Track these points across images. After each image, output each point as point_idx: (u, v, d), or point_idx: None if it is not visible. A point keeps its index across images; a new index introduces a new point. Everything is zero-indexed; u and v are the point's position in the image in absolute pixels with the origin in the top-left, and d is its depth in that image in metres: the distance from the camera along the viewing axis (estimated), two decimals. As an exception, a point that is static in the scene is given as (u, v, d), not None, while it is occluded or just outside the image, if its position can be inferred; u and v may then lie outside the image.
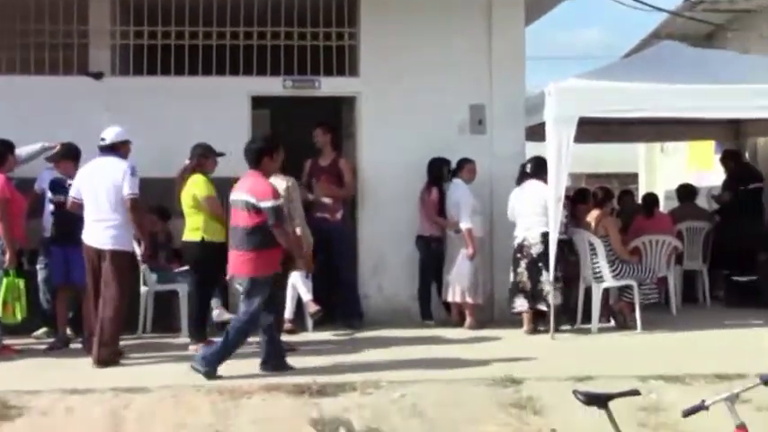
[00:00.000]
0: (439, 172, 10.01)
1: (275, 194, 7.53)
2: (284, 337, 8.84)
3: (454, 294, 9.76)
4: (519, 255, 9.51)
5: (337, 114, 11.07)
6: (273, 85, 10.25)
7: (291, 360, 7.82)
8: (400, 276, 10.20)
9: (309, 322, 9.59)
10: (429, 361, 8.09)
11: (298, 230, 8.61)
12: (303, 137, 10.16)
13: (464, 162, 9.95)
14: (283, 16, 10.18)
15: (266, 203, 7.42)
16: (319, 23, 10.25)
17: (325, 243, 9.56)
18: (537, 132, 9.68)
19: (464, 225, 9.72)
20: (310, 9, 10.21)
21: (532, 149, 10.39)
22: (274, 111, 11.66)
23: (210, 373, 7.29)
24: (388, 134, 10.23)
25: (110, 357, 7.96)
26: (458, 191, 9.82)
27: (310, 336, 9.38)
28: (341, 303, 9.96)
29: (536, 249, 9.35)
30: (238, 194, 7.61)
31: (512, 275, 9.57)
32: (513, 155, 10.15)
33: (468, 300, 9.75)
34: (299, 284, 9.43)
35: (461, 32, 10.36)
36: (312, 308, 9.45)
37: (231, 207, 7.74)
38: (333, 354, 8.45)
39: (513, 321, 9.65)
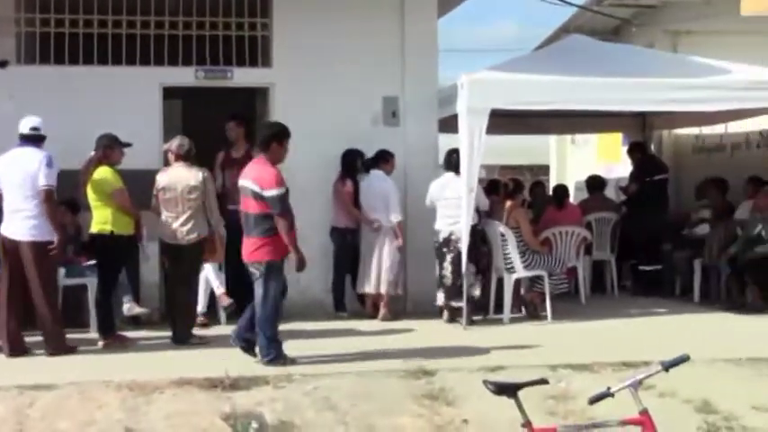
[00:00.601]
0: (353, 163, 10.02)
1: (279, 183, 7.50)
2: (197, 331, 8.80)
3: (377, 286, 9.76)
4: (445, 249, 9.55)
5: (251, 105, 10.98)
6: (185, 76, 10.12)
7: (204, 353, 7.75)
8: (314, 269, 10.04)
9: (222, 315, 9.51)
10: (342, 353, 8.09)
11: (213, 223, 8.57)
12: (216, 128, 10.06)
13: (386, 154, 9.96)
14: (195, 6, 10.06)
15: (270, 192, 7.43)
16: (232, 13, 10.15)
17: (239, 235, 9.48)
18: (450, 124, 9.75)
19: (395, 218, 9.77)
20: (223, -1, 10.11)
21: (446, 141, 10.47)
22: (187, 101, 11.52)
23: (280, 358, 7.51)
24: (301, 125, 10.06)
25: (60, 346, 7.98)
26: (384, 183, 9.82)
27: (223, 329, 9.28)
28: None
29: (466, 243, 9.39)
30: (245, 182, 7.61)
31: (437, 269, 9.62)
32: (427, 147, 10.23)
33: (391, 292, 9.78)
34: (211, 277, 9.35)
35: (374, 24, 10.36)
36: (225, 301, 9.38)
37: (240, 193, 7.74)
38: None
39: (427, 313, 9.72)
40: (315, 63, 10.18)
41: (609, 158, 15.66)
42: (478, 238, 9.50)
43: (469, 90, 9.06)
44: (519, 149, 26.40)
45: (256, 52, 10.35)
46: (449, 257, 9.48)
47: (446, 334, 9.15)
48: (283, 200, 7.49)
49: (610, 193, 13.10)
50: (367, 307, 9.94)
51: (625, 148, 13.23)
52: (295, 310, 9.85)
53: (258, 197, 7.48)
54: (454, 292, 9.42)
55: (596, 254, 11.68)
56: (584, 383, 6.80)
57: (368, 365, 7.55)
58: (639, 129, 13.47)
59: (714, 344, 8.35)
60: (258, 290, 7.59)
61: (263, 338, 7.62)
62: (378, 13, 10.40)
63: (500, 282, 9.83)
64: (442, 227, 9.56)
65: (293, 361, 7.59)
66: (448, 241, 9.50)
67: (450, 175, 9.58)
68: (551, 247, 10.51)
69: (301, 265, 7.67)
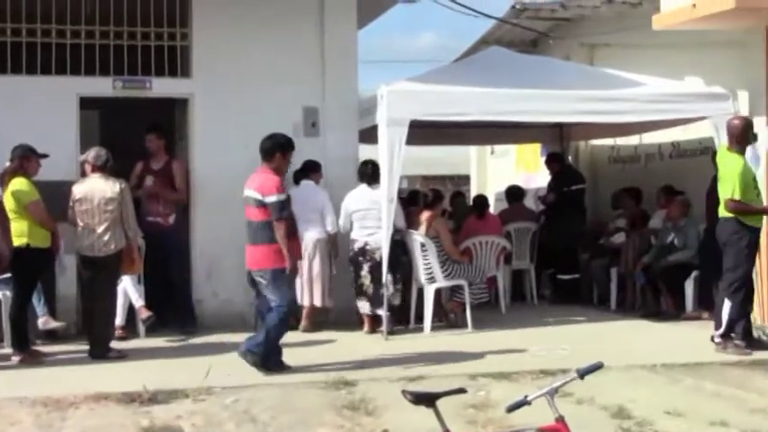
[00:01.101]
0: None
1: (280, 189, 7.65)
2: (115, 344, 8.67)
3: (310, 298, 9.70)
4: (361, 258, 9.58)
5: (170, 115, 10.88)
6: (103, 86, 9.98)
7: (122, 367, 7.63)
8: (235, 281, 10.04)
9: (142, 328, 9.39)
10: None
11: (130, 235, 8.47)
12: (135, 138, 9.94)
13: (315, 165, 9.93)
14: (113, 14, 9.93)
15: (270, 198, 7.58)
16: (150, 23, 10.05)
17: (158, 248, 9.39)
18: (370, 135, 9.79)
19: (332, 229, 9.74)
20: (141, 8, 9.99)
21: (366, 152, 10.51)
22: (105, 112, 11.36)
23: (279, 366, 7.66)
24: (221, 136, 10.12)
25: None
26: (319, 194, 9.78)
27: (142, 342, 9.19)
28: (174, 309, 9.80)
29: (379, 253, 9.41)
30: (249, 191, 7.75)
31: (353, 278, 9.64)
32: (347, 157, 10.25)
33: (327, 304, 9.76)
34: (130, 290, 9.23)
35: (294, 34, 10.36)
36: (144, 314, 9.27)
37: (244, 203, 7.85)
38: (166, 360, 8.30)
39: (348, 323, 9.73)
40: (235, 73, 10.13)
41: (528, 169, 15.87)
42: (396, 248, 9.54)
43: (389, 101, 9.11)
44: (440, 160, 26.63)
45: (175, 62, 10.26)
46: (366, 267, 9.52)
47: (367, 344, 9.16)
48: (283, 206, 7.64)
49: (529, 203, 13.28)
50: (299, 318, 9.85)
51: (543, 159, 13.42)
52: (216, 323, 9.82)
53: (260, 204, 7.62)
54: (377, 299, 9.45)
55: (516, 263, 11.82)
56: (503, 392, 6.87)
57: (288, 377, 7.52)
58: (557, 140, 13.68)
59: (630, 351, 8.53)
60: (270, 296, 7.67)
61: (264, 345, 7.65)
62: (297, 23, 10.40)
63: (420, 292, 9.88)
64: (358, 237, 9.59)
65: (290, 368, 7.75)
66: (364, 251, 9.53)
67: (364, 186, 9.61)
68: (471, 257, 10.60)
69: (292, 271, 7.70)
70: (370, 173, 9.56)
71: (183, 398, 6.91)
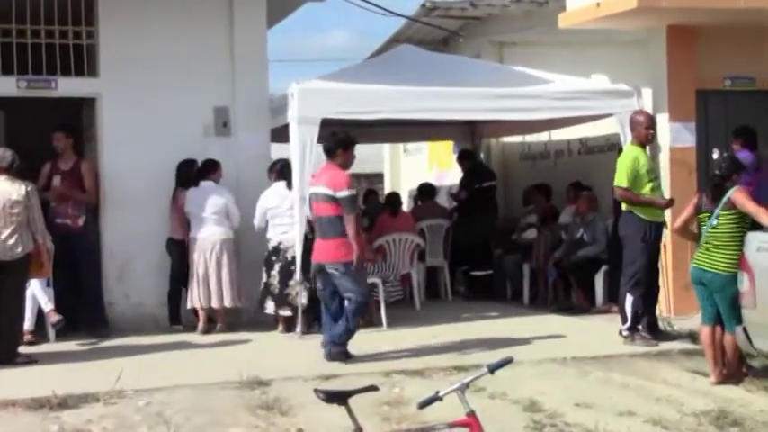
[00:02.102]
0: (189, 175, 9.86)
1: (350, 185, 8.00)
2: (24, 349, 8.48)
3: (219, 299, 9.59)
4: (274, 258, 9.55)
5: (79, 115, 10.67)
6: (7, 86, 9.75)
7: (31, 372, 7.47)
8: (147, 283, 9.98)
9: (51, 332, 9.21)
10: (176, 367, 7.99)
11: (38, 237, 8.29)
12: (41, 139, 9.73)
13: (214, 164, 9.84)
14: (15, 12, 9.70)
15: (342, 193, 7.89)
16: (55, 21, 9.84)
17: (67, 250, 9.22)
18: (282, 134, 9.75)
19: (238, 227, 9.68)
20: (44, 6, 9.78)
21: (278, 151, 10.47)
22: (9, 112, 11.09)
23: (346, 355, 8.02)
24: (131, 137, 9.97)
25: None
26: (221, 195, 9.68)
27: (53, 346, 9.00)
28: (84, 312, 9.63)
29: (291, 252, 9.39)
30: (317, 187, 8.10)
31: (264, 277, 9.60)
32: (259, 157, 10.19)
33: (238, 304, 9.69)
34: (38, 293, 9.03)
35: (203, 33, 10.26)
36: (53, 317, 9.08)
37: (311, 199, 8.23)
38: (76, 364, 8.17)
39: (264, 323, 9.68)
40: (143, 72, 9.99)
41: (440, 166, 15.99)
42: (309, 247, 9.52)
43: (300, 99, 9.09)
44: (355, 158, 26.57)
45: (82, 61, 10.07)
46: (277, 266, 9.49)
47: (281, 344, 9.15)
48: (354, 201, 8.05)
49: (442, 200, 13.39)
50: (202, 320, 9.76)
51: (455, 156, 13.54)
52: (128, 326, 9.69)
53: (331, 200, 7.92)
54: (282, 300, 9.43)
55: (429, 260, 11.90)
56: (417, 388, 6.93)
57: (202, 378, 7.45)
58: (469, 137, 13.82)
59: (542, 345, 8.68)
60: (346, 287, 8.01)
61: (344, 331, 8.07)
62: (207, 22, 10.30)
63: (335, 290, 9.87)
64: (273, 236, 9.56)
65: (352, 357, 8.11)
66: (277, 250, 9.50)
67: (281, 184, 9.58)
68: (385, 255, 10.65)
69: (359, 263, 7.99)
70: (287, 172, 9.54)
71: (94, 402, 6.82)
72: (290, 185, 9.42)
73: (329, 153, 8.17)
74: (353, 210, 7.96)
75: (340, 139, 8.20)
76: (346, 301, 8.05)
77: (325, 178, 8.08)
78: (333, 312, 8.17)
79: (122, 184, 9.94)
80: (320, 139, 8.33)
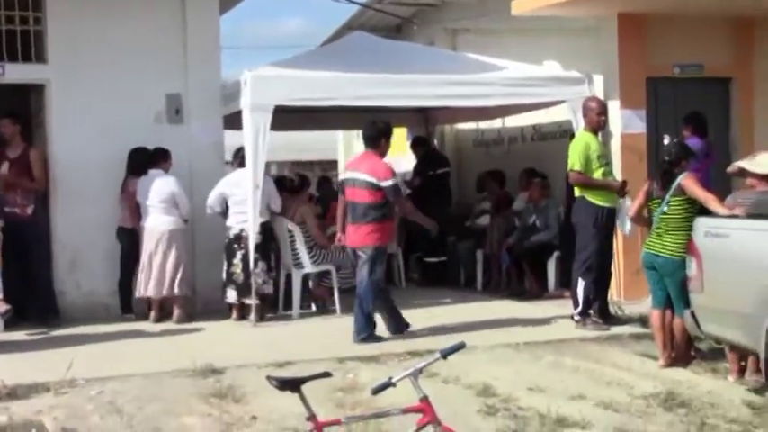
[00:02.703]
0: (140, 162, 9.76)
1: (393, 174, 8.30)
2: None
3: (170, 288, 9.51)
4: (236, 246, 9.48)
5: (26, 102, 10.51)
6: (-47, 72, 9.60)
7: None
8: (99, 272, 9.89)
9: (0, 322, 9.07)
10: (128, 356, 7.93)
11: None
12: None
13: (165, 152, 9.75)
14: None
15: (387, 183, 8.18)
16: (1, 6, 9.68)
17: (16, 239, 9.09)
18: (236, 121, 9.69)
19: (188, 216, 9.60)
20: (-10, -8, 9.63)
21: (231, 138, 10.41)
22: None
23: (372, 337, 8.22)
24: (81, 124, 9.86)
25: None
26: (170, 183, 9.59)
27: (2, 336, 8.85)
28: (34, 301, 9.51)
29: (255, 240, 9.34)
30: (357, 174, 8.31)
31: (225, 266, 9.54)
32: (212, 144, 10.15)
33: (187, 293, 9.61)
34: (-14, 283, 8.90)
35: (155, 19, 10.16)
36: (2, 307, 8.93)
37: (346, 186, 8.44)
38: (26, 354, 8.08)
39: (218, 312, 9.64)
40: (93, 59, 9.87)
41: (394, 153, 15.95)
42: (270, 235, 9.51)
43: (253, 86, 9.04)
44: (308, 145, 26.59)
45: (29, 47, 9.91)
46: (239, 254, 9.44)
47: (236, 332, 9.12)
48: (398, 188, 8.46)
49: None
50: (154, 309, 9.68)
51: (409, 143, 13.54)
52: (80, 315, 9.61)
53: (373, 187, 8.18)
54: (245, 288, 9.39)
55: (384, 247, 11.88)
56: (372, 374, 6.94)
57: (155, 367, 7.40)
58: (423, 124, 13.84)
59: (495, 330, 8.74)
60: (363, 272, 8.27)
61: (361, 316, 8.28)
62: (158, 8, 10.20)
63: (288, 278, 9.86)
64: (233, 224, 9.50)
65: (381, 338, 8.28)
66: (239, 238, 9.45)
67: (242, 171, 9.53)
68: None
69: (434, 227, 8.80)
70: (243, 158, 9.50)
71: (45, 392, 6.75)
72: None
73: (372, 142, 8.42)
74: (399, 196, 8.48)
75: (382, 128, 8.48)
76: (358, 285, 8.37)
77: (367, 166, 8.30)
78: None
79: (72, 172, 9.82)
80: (366, 129, 8.64)
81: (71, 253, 9.88)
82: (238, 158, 9.67)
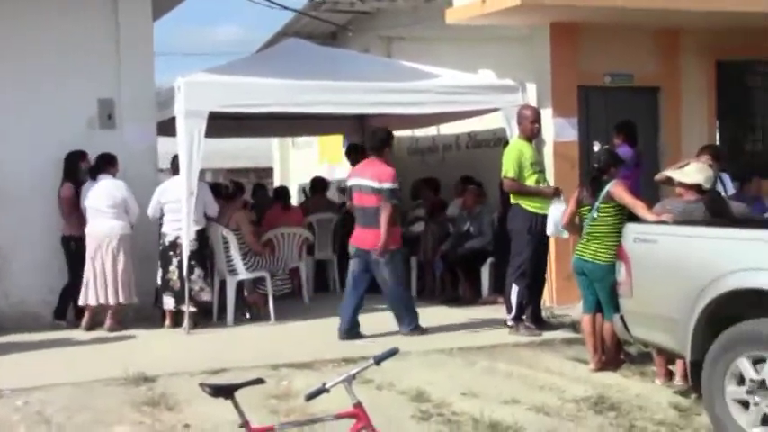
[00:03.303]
0: (75, 167, 9.62)
1: (395, 179, 8.59)
2: None
3: (115, 295, 9.37)
4: (171, 253, 9.41)
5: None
6: None
7: None
8: (28, 280, 9.72)
9: (-75, 332, 8.89)
10: (58, 365, 7.82)
11: None
12: None
13: (112, 159, 9.62)
14: None
15: (386, 185, 8.50)
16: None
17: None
18: (169, 127, 9.62)
19: (136, 221, 9.51)
20: None
21: (165, 145, 10.32)
22: None
23: (420, 329, 8.70)
24: (10, 129, 9.70)
25: None
26: (119, 188, 9.46)
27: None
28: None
29: (191, 247, 9.27)
30: (361, 180, 8.68)
31: (160, 272, 9.46)
32: (145, 150, 10.05)
33: (130, 301, 9.49)
34: None
35: (87, 23, 10.05)
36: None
37: (354, 191, 8.78)
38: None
39: (150, 319, 9.55)
40: (24, 64, 9.74)
41: (331, 160, 16.00)
42: (206, 242, 9.44)
43: (187, 93, 8.98)
44: (243, 152, 26.49)
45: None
46: (175, 261, 9.37)
47: (169, 339, 9.04)
48: (395, 194, 8.64)
49: (332, 194, 13.39)
50: (88, 317, 9.52)
51: (344, 150, 13.56)
52: (8, 323, 9.42)
53: (376, 191, 8.50)
54: (183, 296, 9.32)
55: (318, 254, 11.90)
56: (306, 381, 6.93)
57: (85, 375, 7.30)
58: (358, 131, 13.87)
59: (429, 336, 8.78)
60: (384, 273, 8.67)
61: (403, 310, 8.76)
62: (91, 12, 10.10)
63: (223, 284, 9.81)
64: (169, 231, 9.43)
65: (426, 330, 8.70)
66: (174, 245, 9.37)
67: (177, 179, 9.46)
68: (274, 249, 10.61)
69: (382, 251, 8.61)
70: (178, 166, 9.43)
71: (-30, 403, 6.62)
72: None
73: (377, 150, 8.76)
74: (392, 200, 8.54)
75: (384, 137, 8.85)
76: (385, 289, 8.77)
77: (372, 172, 8.62)
78: (360, 292, 8.83)
79: (2, 180, 9.63)
80: (370, 138, 9.03)
81: (-1, 261, 9.71)
82: (174, 166, 9.58)
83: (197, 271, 9.24)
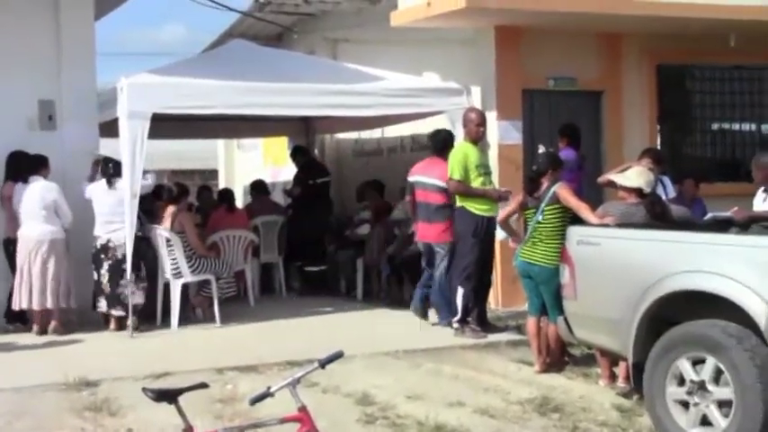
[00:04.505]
0: (18, 167, 9.47)
1: None
2: None
3: (51, 300, 9.22)
4: (103, 256, 9.32)
5: None
6: None
7: None
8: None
9: None
10: (-2, 369, 7.68)
11: None
12: None
13: (44, 160, 9.47)
14: None
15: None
16: None
17: None
18: (112, 128, 9.51)
19: (70, 225, 9.36)
20: None
21: (108, 146, 10.19)
22: None
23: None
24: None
25: None
26: (51, 191, 9.32)
27: None
28: None
29: (121, 251, 9.18)
30: (426, 178, 9.15)
31: (95, 275, 9.35)
32: (86, 151, 9.89)
33: (64, 304, 9.34)
34: None
35: (27, 22, 9.90)
36: None
37: (417, 188, 9.23)
38: None
39: (92, 323, 9.43)
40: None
41: (276, 162, 15.93)
42: (141, 244, 9.34)
43: (129, 94, 8.89)
44: (188, 154, 26.27)
45: None
46: (106, 264, 9.29)
47: (113, 343, 8.92)
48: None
49: (277, 196, 13.35)
50: (33, 321, 9.34)
51: (290, 152, 13.52)
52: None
53: (442, 189, 8.94)
54: (114, 299, 9.24)
55: (264, 256, 11.84)
56: (251, 385, 6.90)
57: (25, 381, 7.19)
58: (303, 133, 13.84)
59: (375, 338, 8.80)
60: (442, 265, 9.01)
61: (441, 303, 9.08)
62: (31, 12, 9.94)
63: (167, 287, 9.71)
64: (101, 233, 9.33)
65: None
66: (106, 248, 9.28)
67: (104, 182, 9.35)
68: (219, 252, 10.54)
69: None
70: (111, 171, 9.31)
71: None
72: (109, 183, 9.25)
73: (439, 151, 9.18)
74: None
75: (446, 138, 9.33)
76: (439, 276, 9.05)
77: (438, 171, 9.02)
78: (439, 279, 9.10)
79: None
80: (433, 137, 9.52)
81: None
82: (99, 170, 9.46)
83: (126, 275, 9.13)
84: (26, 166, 9.43)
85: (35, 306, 9.24)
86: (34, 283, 9.21)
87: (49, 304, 9.24)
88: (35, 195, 9.28)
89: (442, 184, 8.95)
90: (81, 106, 9.89)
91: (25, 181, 9.37)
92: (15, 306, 9.31)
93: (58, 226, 9.36)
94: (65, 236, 9.42)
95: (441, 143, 9.27)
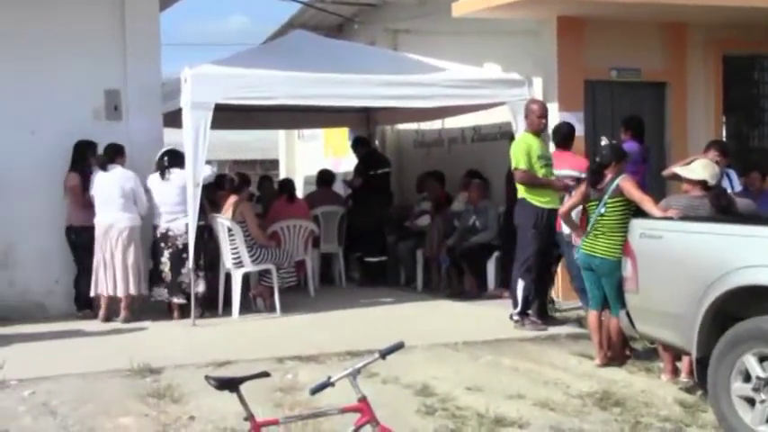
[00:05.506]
0: (85, 156, 9.63)
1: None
2: None
3: (125, 287, 9.35)
4: (162, 245, 9.44)
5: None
6: None
7: None
8: (33, 270, 9.73)
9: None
10: (64, 356, 7.81)
11: None
12: None
13: (121, 149, 9.62)
14: None
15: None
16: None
17: None
18: (175, 118, 9.61)
19: (145, 213, 9.53)
20: None
21: (171, 136, 10.32)
22: None
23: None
24: (16, 119, 9.70)
25: None
26: (129, 179, 9.47)
27: None
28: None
29: (182, 240, 9.30)
30: (562, 170, 8.93)
31: (151, 264, 9.46)
32: (151, 141, 10.00)
33: (138, 292, 9.48)
34: None
35: (94, 14, 10.05)
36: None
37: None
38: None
39: (160, 311, 9.55)
40: (30, 53, 9.72)
41: (336, 153, 16.00)
42: (203, 233, 9.44)
43: (193, 84, 8.97)
44: (249, 144, 26.52)
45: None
46: (166, 253, 9.42)
47: (175, 331, 9.03)
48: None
49: (337, 187, 13.40)
50: (102, 307, 9.51)
51: (350, 143, 13.55)
52: (13, 314, 9.43)
53: (577, 180, 8.65)
54: (175, 287, 9.35)
55: (324, 246, 11.90)
56: (311, 374, 6.93)
57: (91, 367, 7.30)
58: (364, 124, 13.86)
59: (434, 330, 8.78)
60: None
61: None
62: (97, 3, 10.07)
63: (228, 277, 9.80)
64: (161, 222, 9.46)
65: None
66: (165, 237, 9.41)
67: (158, 174, 9.51)
68: (279, 241, 10.61)
69: None
70: (166, 164, 9.44)
71: (-25, 393, 6.62)
72: (162, 175, 9.42)
73: (564, 145, 9.23)
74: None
75: (569, 132, 9.32)
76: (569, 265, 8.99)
77: (571, 163, 8.99)
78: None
79: (6, 169, 9.64)
80: (559, 130, 9.36)
81: (3, 251, 9.71)
82: (159, 162, 9.59)
83: (188, 264, 9.22)
84: (103, 155, 9.55)
85: (120, 293, 9.37)
86: (117, 270, 9.34)
87: (124, 291, 9.37)
88: (114, 183, 9.42)
89: (578, 173, 8.72)
90: (146, 97, 10.01)
91: (104, 169, 9.50)
92: (93, 292, 9.43)
93: (135, 213, 9.49)
94: (140, 223, 9.56)
95: (562, 138, 9.27)
